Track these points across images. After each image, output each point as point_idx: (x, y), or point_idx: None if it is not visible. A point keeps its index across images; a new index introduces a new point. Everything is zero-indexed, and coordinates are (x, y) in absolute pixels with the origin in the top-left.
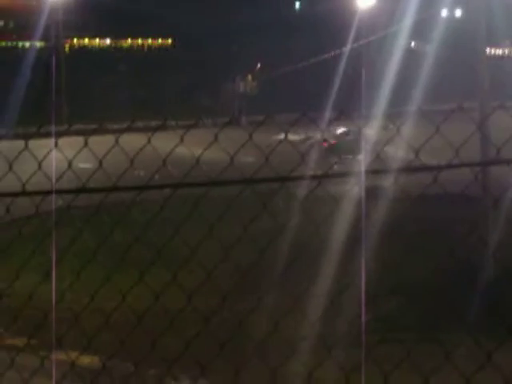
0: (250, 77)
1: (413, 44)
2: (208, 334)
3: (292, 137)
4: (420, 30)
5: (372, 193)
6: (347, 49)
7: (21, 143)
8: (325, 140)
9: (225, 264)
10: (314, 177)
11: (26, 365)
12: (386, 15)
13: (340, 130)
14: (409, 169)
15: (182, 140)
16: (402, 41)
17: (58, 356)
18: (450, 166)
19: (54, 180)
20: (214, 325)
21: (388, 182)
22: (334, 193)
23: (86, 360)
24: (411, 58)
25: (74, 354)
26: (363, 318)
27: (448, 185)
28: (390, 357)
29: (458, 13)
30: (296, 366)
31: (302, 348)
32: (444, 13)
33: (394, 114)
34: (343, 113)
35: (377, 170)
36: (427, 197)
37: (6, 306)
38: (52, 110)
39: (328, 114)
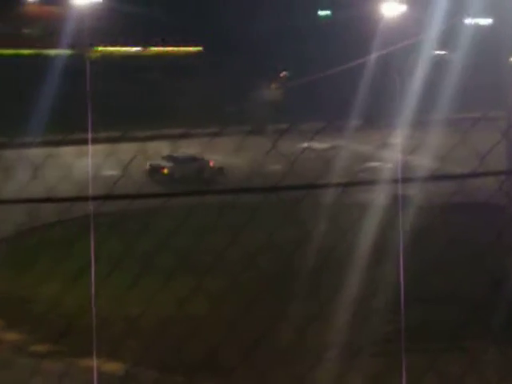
0: (275, 84)
1: (439, 52)
2: (233, 340)
3: (318, 145)
4: (446, 38)
5: (398, 201)
6: (373, 57)
7: (48, 150)
8: None
9: (251, 271)
10: (339, 184)
11: (51, 371)
12: (413, 23)
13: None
14: (434, 177)
15: (206, 147)
16: (428, 49)
17: (83, 362)
18: (474, 175)
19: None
20: (240, 332)
21: (414, 191)
22: (359, 200)
23: (111, 366)
24: (437, 66)
25: (99, 361)
26: (389, 327)
27: (474, 193)
28: (415, 365)
29: (485, 21)
30: (321, 374)
31: (328, 355)
32: (471, 21)
33: (420, 123)
34: (369, 121)
35: (402, 178)
36: (452, 205)
37: (32, 312)
38: (79, 118)
39: (353, 122)
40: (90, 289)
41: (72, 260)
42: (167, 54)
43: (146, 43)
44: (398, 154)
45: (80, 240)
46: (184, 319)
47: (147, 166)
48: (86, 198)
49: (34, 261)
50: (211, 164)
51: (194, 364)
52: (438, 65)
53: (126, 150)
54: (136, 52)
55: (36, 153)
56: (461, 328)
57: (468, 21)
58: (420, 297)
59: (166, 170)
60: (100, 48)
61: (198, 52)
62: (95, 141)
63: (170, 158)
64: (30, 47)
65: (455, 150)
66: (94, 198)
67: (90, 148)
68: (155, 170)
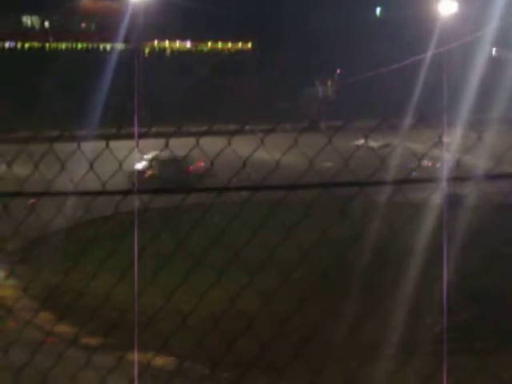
0: (329, 82)
1: (494, 51)
2: (284, 337)
3: (371, 143)
4: (502, 36)
5: (451, 200)
6: (428, 55)
7: (101, 144)
8: None
9: (303, 268)
10: (393, 182)
11: (102, 364)
12: (468, 22)
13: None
14: (488, 176)
15: (262, 143)
16: (483, 47)
17: (133, 356)
18: None
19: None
20: (291, 328)
21: (467, 190)
22: (412, 199)
23: (161, 361)
24: (493, 65)
25: (149, 355)
26: (440, 327)
27: None
28: (466, 365)
29: None
30: (372, 372)
31: (379, 354)
32: None
33: (475, 122)
34: (422, 120)
35: (457, 177)
36: (507, 205)
37: (83, 305)
38: (131, 112)
39: (408, 120)
40: (140, 283)
41: (124, 254)
42: (220, 50)
43: (199, 38)
44: (451, 152)
45: (133, 234)
46: (235, 316)
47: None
48: (134, 192)
49: (87, 254)
50: (200, 164)
51: (244, 361)
52: (494, 63)
53: (179, 144)
54: (188, 47)
55: (89, 146)
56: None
57: None
58: (472, 296)
59: (147, 174)
60: (154, 43)
61: (251, 48)
62: (148, 135)
63: (153, 159)
64: (85, 41)
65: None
66: (142, 193)
67: (138, 143)
68: (137, 174)
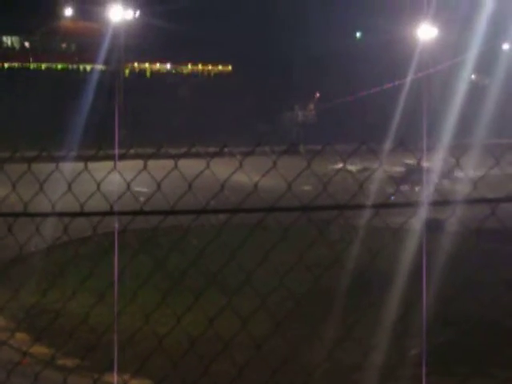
0: (308, 106)
1: (473, 76)
2: (261, 360)
3: (349, 167)
4: (481, 63)
5: (430, 225)
6: (407, 80)
7: (80, 165)
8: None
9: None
10: (372, 206)
11: None
12: (447, 47)
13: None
14: (467, 201)
15: (240, 165)
16: (462, 73)
17: (109, 378)
18: (507, 200)
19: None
20: (267, 351)
21: (445, 215)
22: (391, 224)
23: (137, 383)
24: (472, 91)
25: (125, 377)
26: (416, 350)
27: (507, 219)
28: None
29: None
30: None
31: (356, 378)
32: (505, 46)
33: (454, 147)
34: (402, 144)
35: (436, 201)
36: (485, 231)
37: (60, 326)
38: (111, 133)
39: (387, 145)
40: (117, 305)
41: (102, 275)
42: (199, 72)
43: (179, 60)
44: (430, 177)
45: (111, 256)
46: (212, 338)
47: None
48: (113, 213)
49: (65, 275)
50: None
51: (221, 383)
52: (473, 88)
53: (157, 166)
54: (169, 69)
55: (68, 167)
56: (490, 354)
57: (505, 46)
58: (449, 320)
59: None
60: (134, 64)
61: (230, 71)
62: (126, 157)
63: None
64: (65, 62)
65: (489, 176)
66: (122, 214)
67: (117, 164)
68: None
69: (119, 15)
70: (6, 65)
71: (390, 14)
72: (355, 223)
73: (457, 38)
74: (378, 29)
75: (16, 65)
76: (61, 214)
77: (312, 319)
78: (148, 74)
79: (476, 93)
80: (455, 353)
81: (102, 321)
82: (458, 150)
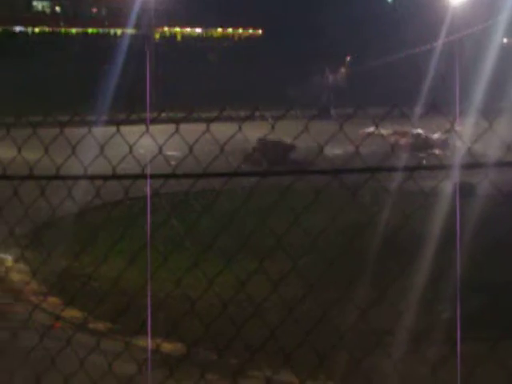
0: (339, 69)
1: (505, 40)
2: (293, 323)
3: (382, 130)
4: None
5: (462, 189)
6: (439, 44)
7: (112, 129)
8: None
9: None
10: (404, 169)
11: (109, 349)
12: (479, 10)
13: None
14: (500, 164)
15: (272, 128)
16: (494, 37)
17: (141, 341)
18: None
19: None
20: (299, 314)
21: (478, 179)
22: (423, 187)
23: (169, 346)
24: (504, 54)
25: (157, 340)
26: (448, 314)
27: None
28: (474, 353)
29: None
30: (381, 359)
31: (388, 341)
32: None
33: (486, 111)
34: (433, 107)
35: (469, 163)
36: None
37: (92, 290)
38: (142, 97)
39: (419, 108)
40: (150, 268)
41: (134, 239)
42: (230, 36)
43: (210, 24)
44: (461, 141)
45: (142, 219)
46: (244, 301)
47: None
48: (145, 176)
49: (97, 238)
50: None
51: (252, 347)
52: (505, 52)
53: (188, 130)
54: (200, 33)
55: (100, 131)
56: None
57: None
58: (481, 285)
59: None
60: (164, 29)
61: (262, 34)
62: (158, 120)
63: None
64: (95, 26)
65: None
66: (154, 177)
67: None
68: None
69: None
70: (37, 29)
71: None
72: (388, 186)
73: (489, 1)
74: None
75: (47, 29)
76: (92, 177)
77: (344, 282)
78: (178, 38)
79: (509, 56)
80: (487, 317)
81: (133, 284)
82: (491, 113)
